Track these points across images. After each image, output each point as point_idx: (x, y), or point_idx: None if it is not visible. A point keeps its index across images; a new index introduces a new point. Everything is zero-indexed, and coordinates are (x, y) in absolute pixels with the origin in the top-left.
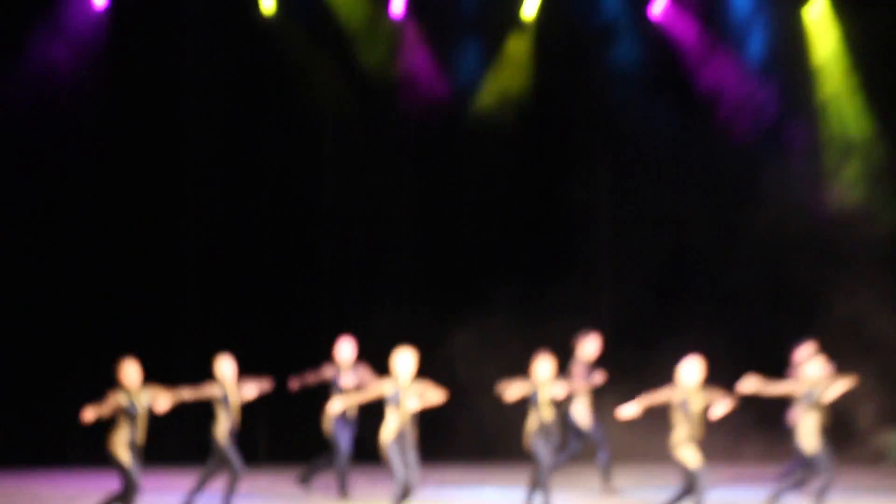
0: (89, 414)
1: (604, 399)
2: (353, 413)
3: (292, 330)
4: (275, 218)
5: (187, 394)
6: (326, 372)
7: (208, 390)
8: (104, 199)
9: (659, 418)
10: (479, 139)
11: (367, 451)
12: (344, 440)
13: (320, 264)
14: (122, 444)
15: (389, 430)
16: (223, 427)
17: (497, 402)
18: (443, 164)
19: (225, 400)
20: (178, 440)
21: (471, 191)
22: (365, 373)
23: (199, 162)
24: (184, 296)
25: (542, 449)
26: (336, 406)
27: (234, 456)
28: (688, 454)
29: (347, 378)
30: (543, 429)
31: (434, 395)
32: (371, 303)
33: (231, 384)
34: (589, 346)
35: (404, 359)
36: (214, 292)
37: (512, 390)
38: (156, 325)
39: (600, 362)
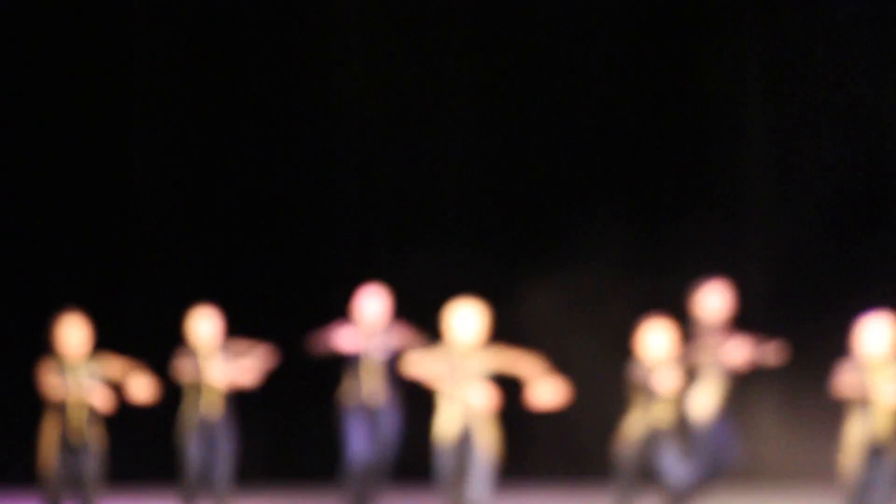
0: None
1: (753, 392)
2: (375, 399)
3: (297, 279)
4: (270, 114)
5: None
6: (341, 338)
7: (179, 365)
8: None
9: (828, 424)
10: None
11: (414, 460)
12: (358, 441)
13: (336, 184)
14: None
15: (446, 423)
16: (191, 410)
17: (597, 390)
18: (512, 38)
19: (199, 374)
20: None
21: (554, 78)
22: (405, 337)
23: (157, 33)
24: (138, 229)
25: (631, 461)
26: (349, 389)
27: (192, 457)
28: (852, 463)
29: (374, 346)
30: (652, 433)
31: (526, 367)
32: (408, 241)
33: (210, 351)
34: (711, 301)
35: (465, 315)
36: (181, 225)
37: (638, 370)
38: (100, 271)
39: (750, 333)
